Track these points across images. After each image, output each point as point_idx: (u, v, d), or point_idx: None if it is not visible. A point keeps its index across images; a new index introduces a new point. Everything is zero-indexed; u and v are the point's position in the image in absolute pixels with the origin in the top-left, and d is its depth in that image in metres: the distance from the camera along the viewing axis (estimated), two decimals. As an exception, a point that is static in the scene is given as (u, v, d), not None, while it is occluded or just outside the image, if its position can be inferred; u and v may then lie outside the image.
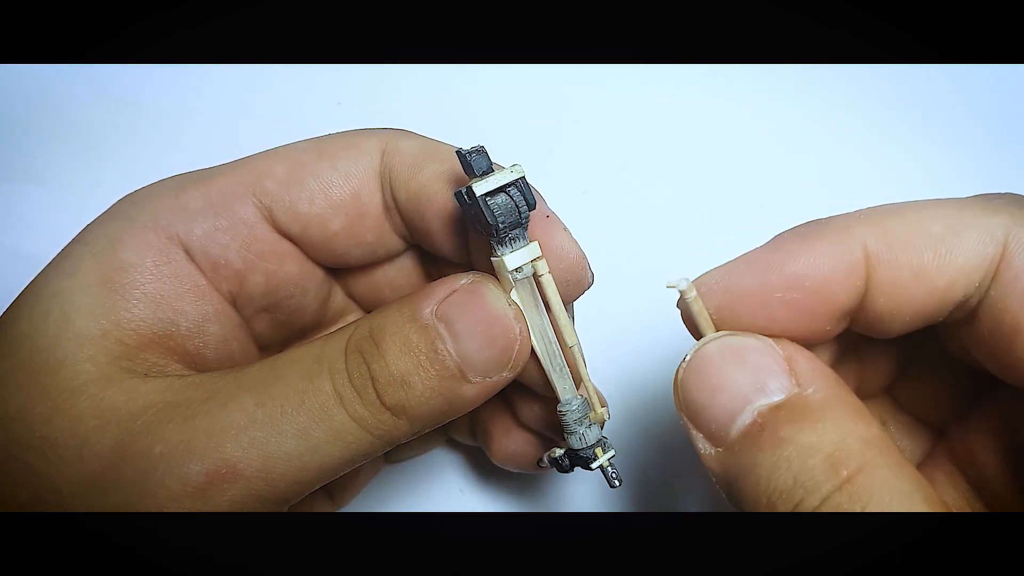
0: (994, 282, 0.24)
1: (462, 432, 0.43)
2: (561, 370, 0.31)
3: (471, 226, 0.29)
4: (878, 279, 0.26)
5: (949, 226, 0.25)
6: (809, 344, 0.28)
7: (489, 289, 0.29)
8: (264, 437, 0.27)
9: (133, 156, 0.50)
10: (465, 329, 0.28)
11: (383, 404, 0.28)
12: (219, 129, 0.51)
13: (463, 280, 0.30)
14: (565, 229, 0.31)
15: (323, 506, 0.42)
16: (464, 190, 0.28)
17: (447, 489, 0.48)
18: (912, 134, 0.51)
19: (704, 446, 0.27)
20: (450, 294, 0.29)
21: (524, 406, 0.38)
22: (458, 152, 0.28)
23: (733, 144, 0.52)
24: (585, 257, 0.31)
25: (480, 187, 0.27)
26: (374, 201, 0.32)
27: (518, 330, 0.29)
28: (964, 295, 0.25)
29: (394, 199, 0.32)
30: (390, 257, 0.35)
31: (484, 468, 0.48)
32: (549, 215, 0.31)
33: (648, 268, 0.49)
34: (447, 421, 0.30)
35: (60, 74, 0.50)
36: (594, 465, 0.32)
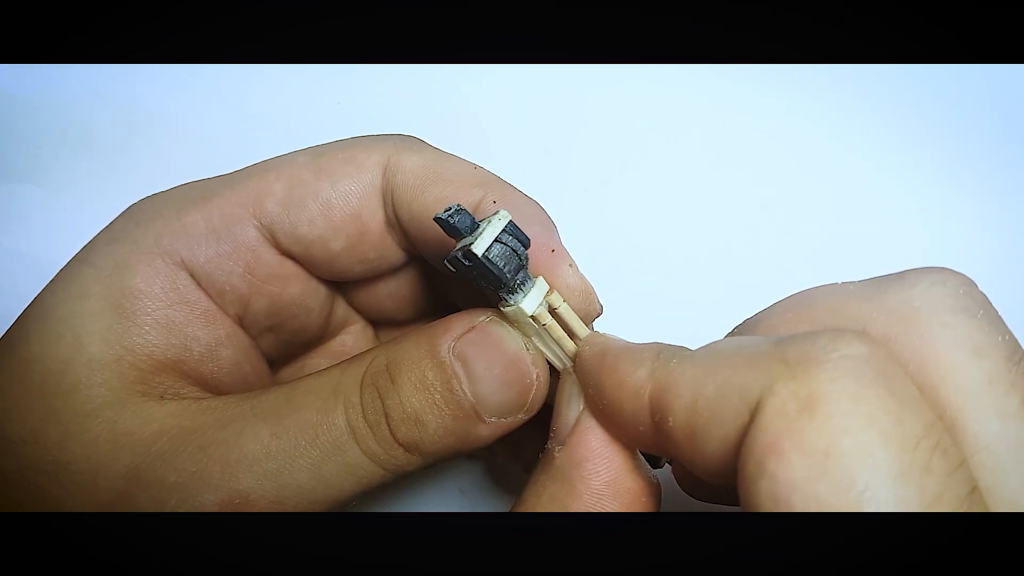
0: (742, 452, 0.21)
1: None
2: None
3: (476, 286, 0.28)
4: (666, 434, 0.24)
5: (719, 389, 0.22)
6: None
7: (507, 330, 0.29)
8: (278, 469, 0.27)
9: (133, 156, 0.50)
10: (482, 371, 0.28)
11: (396, 440, 0.28)
12: (219, 129, 0.50)
13: (482, 317, 0.29)
14: (571, 264, 0.30)
15: (324, 506, 0.42)
16: (459, 254, 0.26)
17: (447, 489, 0.48)
18: (912, 134, 0.51)
19: None
20: (468, 331, 0.29)
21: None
22: (437, 219, 0.26)
23: (733, 144, 0.52)
24: (593, 290, 0.31)
25: (478, 246, 0.25)
26: (375, 219, 0.32)
27: (535, 374, 0.29)
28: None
29: (396, 217, 0.32)
30: (393, 270, 0.35)
31: (484, 468, 0.48)
32: (555, 249, 0.30)
33: (647, 268, 0.49)
34: (460, 455, 0.30)
35: (60, 74, 0.50)
36: None
